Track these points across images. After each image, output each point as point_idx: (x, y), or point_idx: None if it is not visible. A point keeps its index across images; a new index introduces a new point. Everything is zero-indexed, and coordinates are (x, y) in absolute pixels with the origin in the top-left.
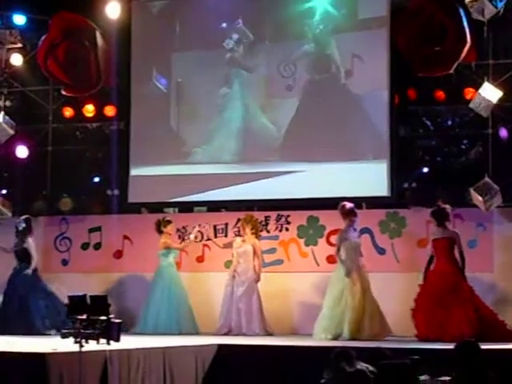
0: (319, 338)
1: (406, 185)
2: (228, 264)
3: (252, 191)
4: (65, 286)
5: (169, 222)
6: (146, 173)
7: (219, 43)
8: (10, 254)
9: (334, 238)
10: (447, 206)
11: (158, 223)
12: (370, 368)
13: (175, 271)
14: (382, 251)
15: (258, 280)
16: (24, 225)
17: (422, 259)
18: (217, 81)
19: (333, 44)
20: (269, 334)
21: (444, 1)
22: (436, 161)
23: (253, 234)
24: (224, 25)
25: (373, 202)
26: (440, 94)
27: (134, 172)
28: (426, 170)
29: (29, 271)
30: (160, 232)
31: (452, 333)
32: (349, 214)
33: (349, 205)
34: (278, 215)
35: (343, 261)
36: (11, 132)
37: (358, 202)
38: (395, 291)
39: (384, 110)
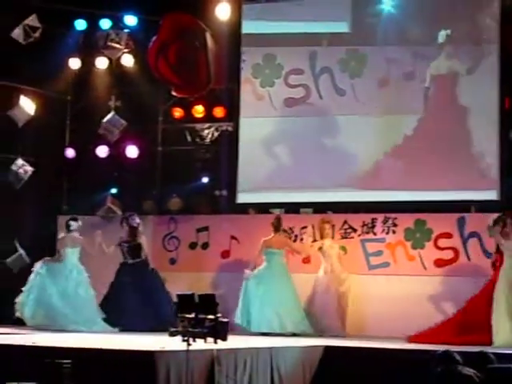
0: None
1: None
2: None
3: (359, 193)
4: (173, 284)
5: None
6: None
7: None
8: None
9: (441, 242)
10: None
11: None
12: (476, 373)
13: None
14: (490, 256)
15: None
16: (138, 221)
17: None
18: None
19: None
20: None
21: None
22: None
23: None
24: None
25: (482, 206)
26: None
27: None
28: None
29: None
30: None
31: None
32: None
33: None
34: (385, 218)
35: None
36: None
37: (467, 205)
38: None
39: (494, 114)
